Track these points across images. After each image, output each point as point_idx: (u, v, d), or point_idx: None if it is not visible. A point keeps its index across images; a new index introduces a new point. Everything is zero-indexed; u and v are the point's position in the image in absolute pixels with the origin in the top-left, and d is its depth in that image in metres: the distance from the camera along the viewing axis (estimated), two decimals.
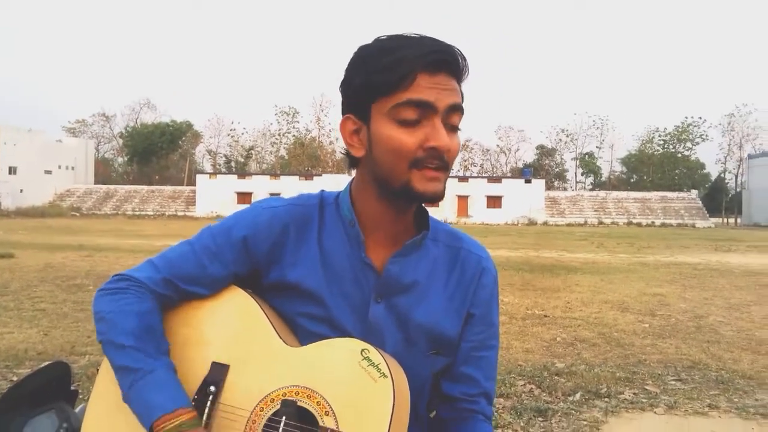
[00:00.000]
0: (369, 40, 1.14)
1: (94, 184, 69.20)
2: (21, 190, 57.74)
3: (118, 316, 1.14)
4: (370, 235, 1.20)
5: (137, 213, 57.44)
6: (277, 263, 1.20)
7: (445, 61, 1.08)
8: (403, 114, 1.07)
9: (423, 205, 1.23)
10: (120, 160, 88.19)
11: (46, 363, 1.37)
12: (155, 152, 77.49)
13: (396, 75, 1.06)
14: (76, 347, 5.33)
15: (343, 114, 1.16)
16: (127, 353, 1.11)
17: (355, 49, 1.14)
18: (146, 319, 1.14)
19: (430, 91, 1.07)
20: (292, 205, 1.23)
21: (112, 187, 66.72)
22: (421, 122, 1.08)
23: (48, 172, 62.91)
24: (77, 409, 1.35)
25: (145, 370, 1.10)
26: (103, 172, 79.95)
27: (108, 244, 18.92)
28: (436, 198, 1.11)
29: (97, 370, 1.24)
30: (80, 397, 1.42)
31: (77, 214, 52.95)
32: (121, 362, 1.11)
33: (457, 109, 1.10)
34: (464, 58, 1.11)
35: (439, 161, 1.09)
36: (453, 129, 1.12)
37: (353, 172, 1.23)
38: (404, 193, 1.10)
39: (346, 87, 1.15)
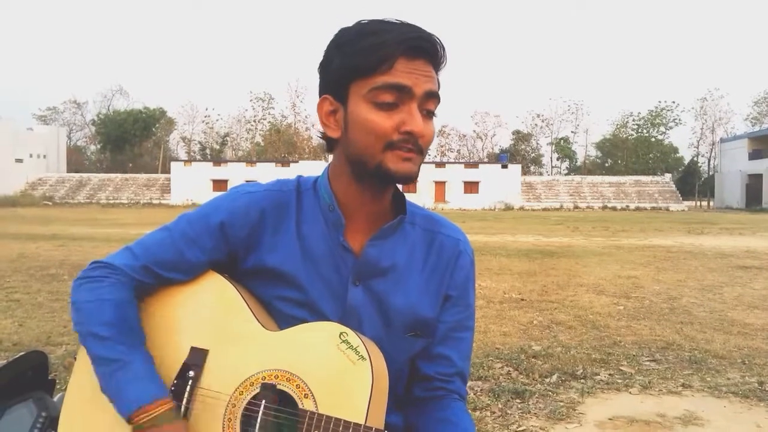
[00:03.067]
0: (346, 24, 1.15)
1: (67, 172, 68.03)
2: None
3: (95, 305, 1.14)
4: (349, 219, 1.20)
5: (111, 201, 56.66)
6: (254, 248, 1.20)
7: (425, 48, 1.10)
8: (381, 97, 1.08)
9: (401, 189, 1.25)
10: (93, 148, 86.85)
11: (23, 353, 1.36)
12: (128, 140, 76.42)
13: (375, 57, 1.07)
14: (52, 337, 5.27)
15: (320, 95, 1.17)
16: (104, 344, 1.11)
17: (336, 32, 1.14)
18: (123, 309, 1.15)
19: (408, 75, 1.08)
20: (270, 191, 1.24)
21: (85, 175, 65.63)
22: (398, 106, 1.09)
23: (19, 160, 61.76)
24: (55, 398, 1.34)
25: (122, 361, 1.10)
26: (76, 161, 78.70)
27: (82, 233, 18.68)
28: (409, 179, 1.12)
29: (75, 359, 1.23)
30: (58, 386, 1.42)
31: (50, 203, 52.11)
32: (99, 353, 1.12)
33: (433, 95, 1.12)
34: (443, 47, 1.13)
35: (413, 145, 1.10)
36: (429, 115, 1.13)
37: (330, 158, 1.24)
38: (378, 173, 1.11)
39: (324, 68, 1.15)
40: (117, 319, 1.13)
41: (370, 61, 1.07)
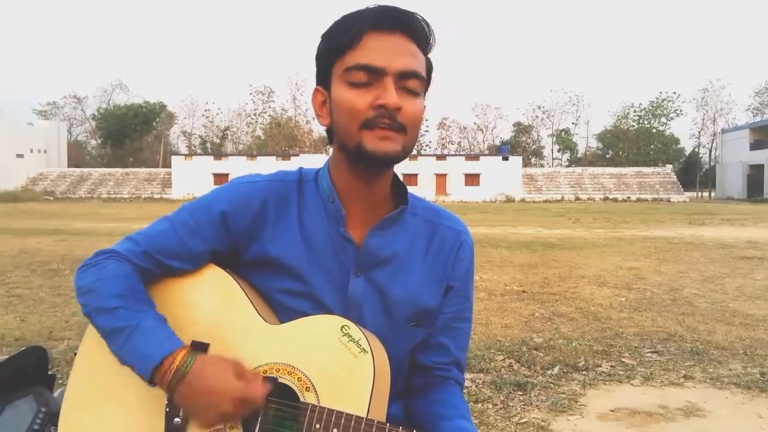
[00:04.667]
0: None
1: (68, 167, 67.98)
2: None
3: (100, 283, 1.14)
4: (349, 210, 1.20)
5: (112, 196, 56.60)
6: (256, 239, 1.20)
7: (399, 20, 1.08)
8: (354, 76, 1.08)
9: (402, 180, 1.24)
10: (93, 142, 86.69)
11: (23, 348, 1.36)
12: (129, 134, 76.25)
13: (346, 36, 1.08)
14: (54, 332, 5.28)
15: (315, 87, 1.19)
16: (113, 315, 1.11)
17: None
18: (128, 281, 1.14)
19: (379, 54, 1.07)
20: (271, 181, 1.23)
21: (86, 170, 65.53)
22: (372, 84, 1.08)
23: (20, 155, 61.61)
24: (56, 393, 1.34)
25: (133, 326, 1.10)
26: (77, 155, 78.52)
27: (83, 228, 18.69)
28: (389, 159, 1.10)
29: (75, 354, 1.23)
30: (59, 381, 1.42)
31: (51, 198, 52.10)
32: (110, 324, 1.11)
33: (410, 75, 1.10)
34: (427, 25, 1.12)
35: (390, 120, 1.08)
36: (411, 92, 1.11)
37: (331, 151, 1.24)
38: (357, 154, 1.10)
39: (315, 60, 1.17)
40: (124, 290, 1.13)
41: (341, 40, 1.09)
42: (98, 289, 1.13)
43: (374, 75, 1.08)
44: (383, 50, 1.07)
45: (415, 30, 1.10)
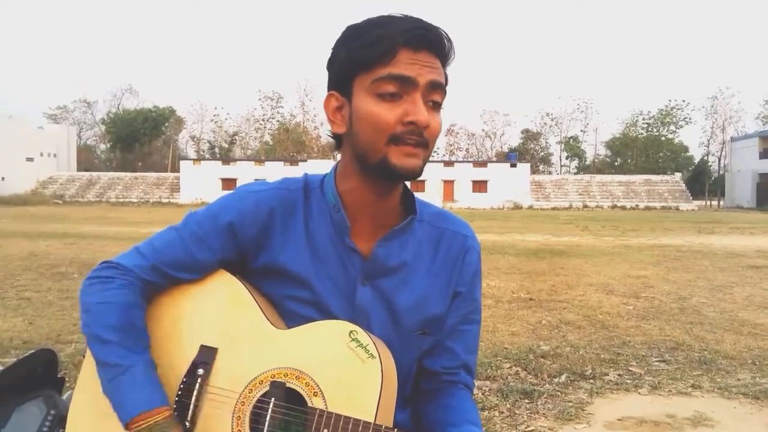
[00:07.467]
0: (355, 21, 1.14)
1: (77, 171, 68.32)
2: (2, 178, 56.91)
3: (101, 308, 1.14)
4: (355, 218, 1.19)
5: (121, 200, 56.82)
6: (264, 248, 1.20)
7: (428, 39, 1.08)
8: (384, 88, 1.07)
9: (410, 189, 1.24)
10: (102, 146, 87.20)
11: (32, 350, 1.36)
12: (138, 138, 76.65)
13: (378, 49, 1.06)
14: (62, 335, 5.30)
15: (328, 92, 1.17)
16: (107, 348, 1.12)
17: (344, 29, 1.14)
18: (129, 313, 1.15)
19: (410, 66, 1.07)
20: (278, 189, 1.23)
21: (95, 174, 65.80)
22: (401, 97, 1.08)
23: (30, 159, 61.98)
24: (65, 396, 1.35)
25: (123, 367, 1.11)
26: (86, 159, 78.98)
27: (92, 231, 18.75)
28: (413, 175, 1.11)
29: (84, 356, 1.23)
30: (67, 384, 1.42)
31: (60, 202, 52.33)
32: (102, 357, 1.13)
33: (438, 86, 1.10)
34: (449, 40, 1.12)
35: (418, 137, 1.09)
36: (435, 106, 1.12)
37: (338, 157, 1.24)
38: (381, 168, 1.10)
39: (331, 64, 1.15)
40: (121, 322, 1.13)
41: (373, 53, 1.07)
42: (98, 314, 1.14)
43: (404, 86, 1.07)
44: (413, 64, 1.07)
45: (442, 48, 1.11)
